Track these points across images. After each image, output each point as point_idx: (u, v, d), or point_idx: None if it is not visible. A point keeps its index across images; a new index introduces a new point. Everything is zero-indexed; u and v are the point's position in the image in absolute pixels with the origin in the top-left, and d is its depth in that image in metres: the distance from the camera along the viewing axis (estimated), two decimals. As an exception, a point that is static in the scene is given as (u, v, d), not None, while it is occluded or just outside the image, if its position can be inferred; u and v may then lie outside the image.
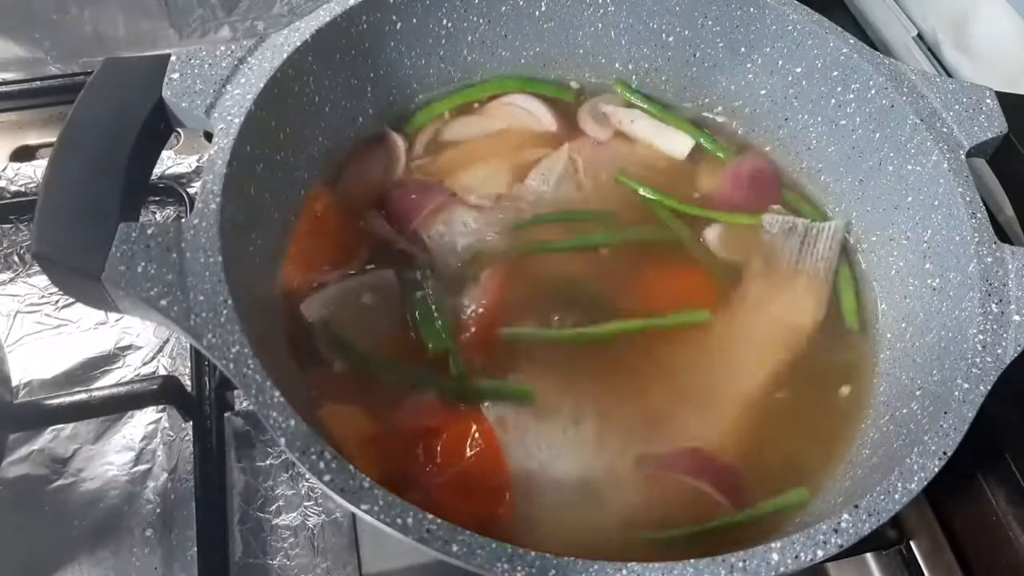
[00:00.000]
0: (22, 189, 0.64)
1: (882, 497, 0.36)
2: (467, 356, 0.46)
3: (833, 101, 0.53)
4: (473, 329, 0.47)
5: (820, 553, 0.35)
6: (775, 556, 0.34)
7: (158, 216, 0.65)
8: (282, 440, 0.35)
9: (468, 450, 0.43)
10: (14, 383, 0.55)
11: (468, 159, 0.56)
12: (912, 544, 0.53)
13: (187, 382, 0.56)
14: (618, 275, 0.51)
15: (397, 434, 0.44)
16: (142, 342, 0.59)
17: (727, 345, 0.49)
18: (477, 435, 0.43)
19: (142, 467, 0.54)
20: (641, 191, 0.55)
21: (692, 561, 0.33)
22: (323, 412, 0.44)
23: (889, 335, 0.49)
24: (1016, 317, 0.41)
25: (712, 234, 0.53)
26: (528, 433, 0.44)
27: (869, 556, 0.53)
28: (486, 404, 0.45)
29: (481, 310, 0.48)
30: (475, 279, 0.49)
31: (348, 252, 0.50)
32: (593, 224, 0.53)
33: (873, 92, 0.50)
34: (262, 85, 0.45)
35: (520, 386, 0.46)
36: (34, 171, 0.64)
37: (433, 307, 0.47)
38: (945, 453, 0.37)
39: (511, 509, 0.42)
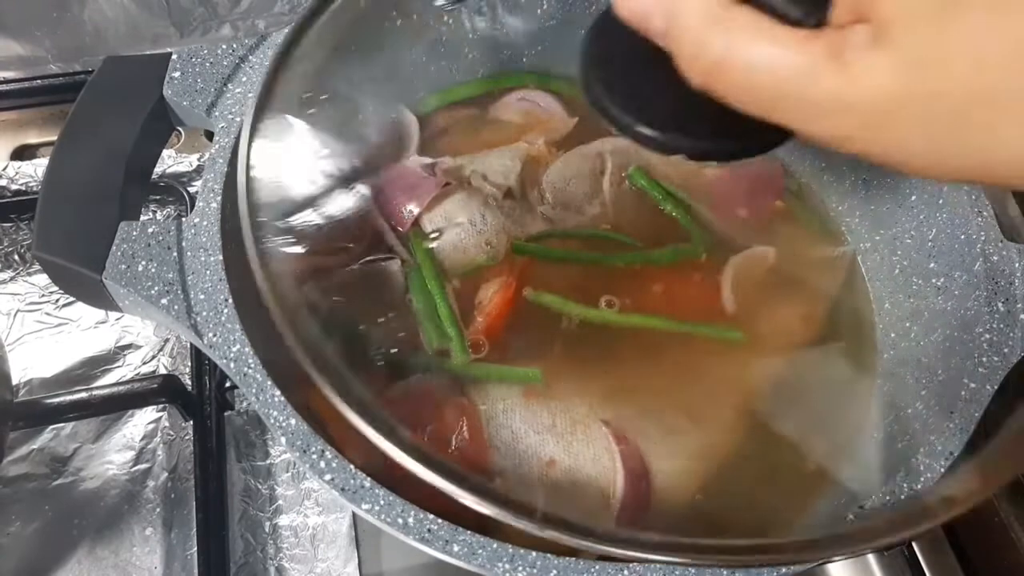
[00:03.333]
0: (23, 188, 0.64)
1: (887, 498, 0.36)
2: (472, 343, 0.46)
3: (836, 100, 0.52)
4: (479, 320, 0.47)
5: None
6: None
7: (159, 215, 0.65)
8: (283, 439, 0.35)
9: (452, 443, 0.43)
10: (14, 382, 0.54)
11: (480, 145, 0.55)
12: (914, 545, 0.53)
13: (187, 381, 0.56)
14: (634, 281, 0.51)
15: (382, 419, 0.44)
16: (142, 341, 0.59)
17: (730, 353, 0.49)
18: (465, 430, 0.43)
19: (142, 466, 0.54)
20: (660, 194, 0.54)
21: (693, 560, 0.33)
22: (312, 395, 0.44)
23: (893, 335, 0.49)
24: (1023, 316, 0.41)
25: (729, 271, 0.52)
26: (517, 418, 0.44)
27: (871, 557, 0.53)
28: (479, 391, 0.45)
29: (489, 306, 0.48)
30: (484, 278, 0.49)
31: (353, 239, 0.50)
32: (615, 243, 0.52)
33: (876, 91, 0.50)
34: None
35: (526, 369, 0.46)
36: (35, 170, 0.64)
37: (436, 300, 0.47)
38: (952, 453, 0.37)
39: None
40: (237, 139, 0.42)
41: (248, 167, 0.40)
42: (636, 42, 0.26)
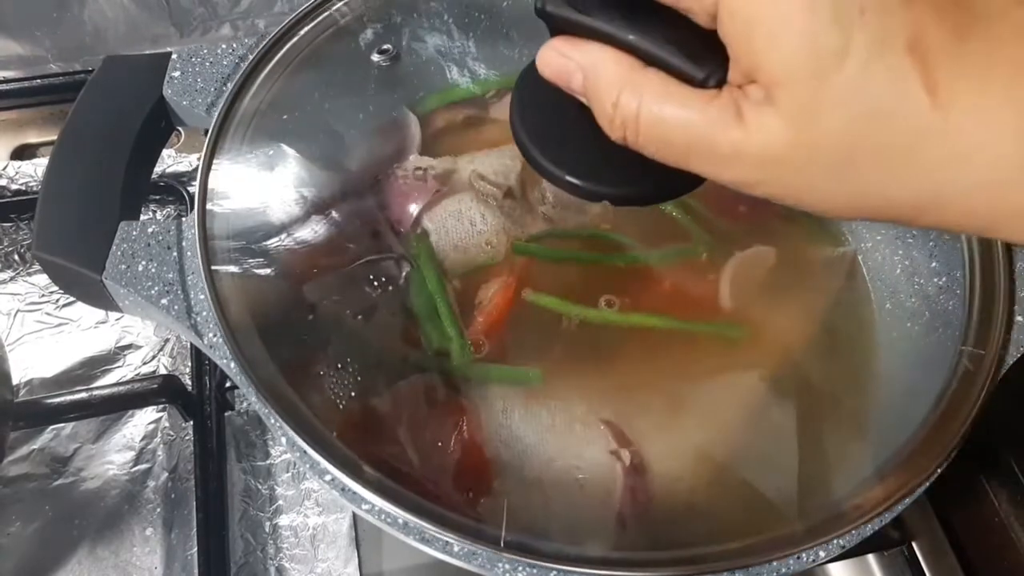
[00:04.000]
0: (23, 187, 0.64)
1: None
2: (472, 343, 0.46)
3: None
4: (479, 320, 0.47)
5: (822, 554, 0.35)
6: (776, 557, 0.34)
7: (159, 215, 0.65)
8: (284, 439, 0.35)
9: (452, 443, 0.43)
10: (15, 382, 0.54)
11: (480, 145, 0.55)
12: (914, 545, 0.53)
13: (188, 381, 0.56)
14: (635, 281, 0.50)
15: (382, 420, 0.44)
16: (143, 341, 0.59)
17: (731, 352, 0.49)
18: (464, 431, 0.43)
19: (142, 466, 0.54)
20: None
21: (694, 561, 0.34)
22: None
23: (894, 334, 0.49)
24: (1019, 318, 0.41)
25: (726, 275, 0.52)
26: (516, 418, 0.44)
27: (871, 557, 0.53)
28: (478, 391, 0.45)
29: (489, 306, 0.48)
30: (484, 278, 0.49)
31: (354, 238, 0.50)
32: (616, 243, 0.52)
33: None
34: (263, 83, 0.45)
35: (526, 369, 0.45)
36: (35, 169, 0.64)
37: (436, 300, 0.47)
38: (948, 454, 0.37)
39: (487, 509, 0.42)
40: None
41: (206, 185, 0.40)
42: (560, 94, 0.28)
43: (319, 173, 0.52)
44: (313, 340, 0.46)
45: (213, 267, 0.39)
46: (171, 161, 0.65)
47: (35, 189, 0.63)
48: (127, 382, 0.56)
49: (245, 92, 0.45)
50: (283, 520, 0.52)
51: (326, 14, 0.49)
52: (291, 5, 0.76)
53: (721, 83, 0.25)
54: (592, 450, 0.44)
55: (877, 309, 0.51)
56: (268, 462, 0.54)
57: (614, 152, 0.27)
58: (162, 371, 0.57)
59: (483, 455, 0.43)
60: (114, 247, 0.39)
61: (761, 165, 0.24)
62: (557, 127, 0.30)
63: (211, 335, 0.37)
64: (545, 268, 0.50)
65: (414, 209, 0.51)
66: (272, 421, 0.35)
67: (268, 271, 0.47)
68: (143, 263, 0.38)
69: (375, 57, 0.50)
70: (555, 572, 0.33)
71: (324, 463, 0.34)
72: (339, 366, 0.46)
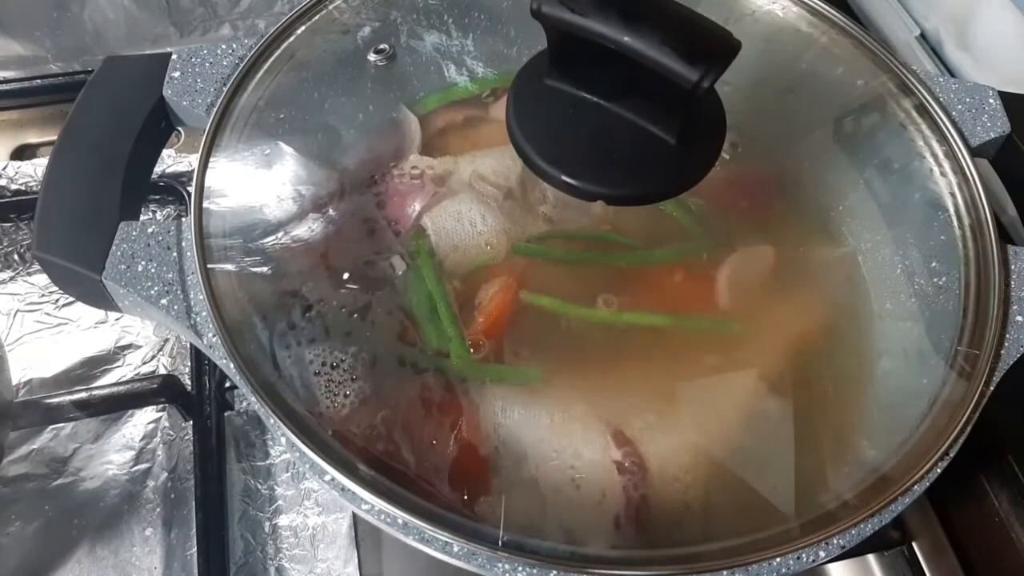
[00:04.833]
0: (23, 187, 0.64)
1: (885, 498, 0.36)
2: (471, 343, 0.46)
3: (836, 100, 0.53)
4: (479, 320, 0.47)
5: (822, 554, 0.35)
6: (776, 557, 0.34)
7: (159, 215, 0.65)
8: (283, 439, 0.35)
9: (451, 443, 0.43)
10: (14, 382, 0.54)
11: (480, 145, 0.55)
12: (914, 545, 0.53)
13: (187, 381, 0.56)
14: (636, 281, 0.50)
15: (380, 420, 0.44)
16: (142, 341, 0.59)
17: (731, 352, 0.49)
18: (463, 431, 0.43)
19: (142, 466, 0.54)
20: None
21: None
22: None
23: (894, 334, 0.49)
24: (1019, 318, 0.41)
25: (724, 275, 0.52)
26: (515, 417, 0.44)
27: (871, 557, 0.53)
28: (477, 391, 0.45)
29: (489, 306, 0.48)
30: (484, 278, 0.49)
31: (353, 238, 0.50)
32: (616, 244, 0.52)
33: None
34: (263, 83, 0.45)
35: (526, 369, 0.45)
36: (35, 169, 0.64)
37: (436, 300, 0.47)
38: (948, 454, 0.37)
39: (486, 509, 0.42)
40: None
41: (203, 183, 0.40)
42: (556, 94, 0.28)
43: (318, 172, 0.52)
44: (312, 340, 0.46)
45: (209, 265, 0.39)
46: (171, 161, 0.65)
47: (35, 189, 0.63)
48: (127, 382, 0.56)
49: (243, 89, 0.45)
50: (283, 520, 0.52)
51: (324, 12, 0.49)
52: (291, 5, 0.76)
53: (713, 83, 0.25)
54: (591, 449, 0.43)
55: (877, 309, 0.51)
56: (268, 462, 0.54)
57: (610, 152, 0.27)
58: (162, 371, 0.57)
59: (482, 455, 0.43)
60: (114, 247, 0.39)
61: None
62: (553, 127, 0.30)
63: (211, 335, 0.37)
64: (545, 268, 0.50)
65: (413, 209, 0.51)
66: (271, 421, 0.35)
67: (266, 270, 0.47)
68: (143, 263, 0.38)
69: (372, 56, 0.50)
70: (555, 572, 0.33)
71: (322, 463, 0.34)
72: (338, 366, 0.46)
